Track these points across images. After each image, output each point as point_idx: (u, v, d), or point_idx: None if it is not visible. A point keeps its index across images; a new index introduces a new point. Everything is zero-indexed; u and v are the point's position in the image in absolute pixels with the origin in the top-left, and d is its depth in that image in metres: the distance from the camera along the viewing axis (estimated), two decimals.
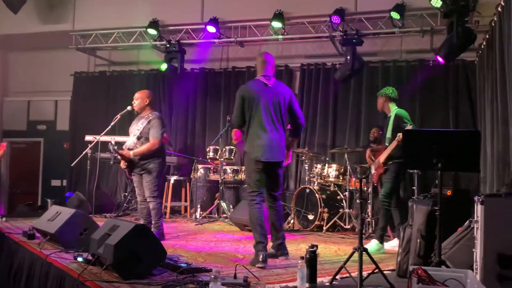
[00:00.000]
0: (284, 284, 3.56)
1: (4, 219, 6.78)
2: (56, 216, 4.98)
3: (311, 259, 3.55)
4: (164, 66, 8.75)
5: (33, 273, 4.37)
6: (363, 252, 3.55)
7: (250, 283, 3.40)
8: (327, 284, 3.64)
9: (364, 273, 3.51)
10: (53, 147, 10.46)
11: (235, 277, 3.48)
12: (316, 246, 3.80)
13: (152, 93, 5.91)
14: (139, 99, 5.70)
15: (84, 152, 6.33)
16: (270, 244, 4.51)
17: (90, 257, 3.91)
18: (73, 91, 10.34)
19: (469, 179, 7.55)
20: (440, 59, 6.88)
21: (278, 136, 4.49)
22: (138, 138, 5.53)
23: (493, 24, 6.13)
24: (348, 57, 7.52)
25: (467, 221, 3.82)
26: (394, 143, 5.18)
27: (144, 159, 5.52)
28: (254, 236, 4.39)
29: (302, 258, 3.56)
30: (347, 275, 3.68)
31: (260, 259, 4.19)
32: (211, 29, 8.26)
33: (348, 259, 3.67)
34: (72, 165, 6.22)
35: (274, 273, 3.97)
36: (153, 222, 5.55)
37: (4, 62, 11.00)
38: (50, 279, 3.98)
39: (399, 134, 5.09)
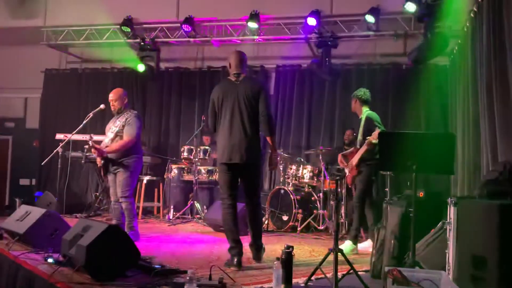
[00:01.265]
0: (259, 285, 3.54)
1: None
2: (25, 216, 4.83)
3: (287, 260, 3.55)
4: (141, 68, 8.63)
5: (0, 274, 4.24)
6: (338, 253, 3.57)
7: (226, 284, 3.37)
8: (302, 285, 3.64)
9: (339, 274, 3.52)
10: (22, 145, 10.19)
11: (210, 278, 3.45)
12: (292, 247, 3.81)
13: (126, 92, 5.78)
14: (117, 99, 5.56)
15: (55, 151, 6.18)
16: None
17: (61, 258, 3.82)
18: (43, 88, 10.10)
19: (439, 181, 7.69)
20: (410, 62, 7.00)
21: (243, 136, 4.27)
22: (115, 137, 5.44)
23: (465, 29, 6.26)
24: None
25: (440, 223, 3.89)
26: (364, 147, 5.25)
27: (119, 157, 5.42)
28: (227, 240, 4.35)
29: (277, 259, 3.56)
30: (322, 276, 3.69)
31: (234, 263, 4.15)
32: (186, 28, 8.20)
33: (323, 260, 3.68)
34: (42, 163, 6.06)
35: (249, 274, 3.94)
36: (126, 222, 5.45)
37: None
38: (19, 281, 3.87)
39: (368, 138, 5.17)
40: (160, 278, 3.49)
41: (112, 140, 5.45)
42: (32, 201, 8.16)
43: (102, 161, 5.46)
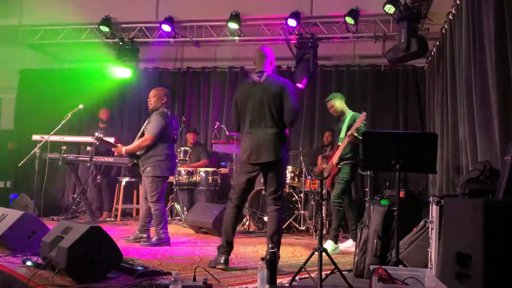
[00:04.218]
0: (244, 286, 3.53)
1: None
2: (1, 218, 4.71)
3: (271, 260, 3.53)
4: (128, 73, 8.49)
5: None
6: (322, 253, 3.58)
7: (212, 285, 3.34)
8: (287, 285, 3.64)
9: (323, 274, 3.53)
10: None
11: (194, 279, 3.41)
12: (276, 247, 3.81)
13: (167, 90, 5.61)
14: (154, 97, 5.45)
15: (32, 152, 6.06)
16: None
17: (40, 261, 3.73)
18: (18, 88, 9.88)
19: (417, 181, 7.82)
20: (388, 61, 7.08)
21: (268, 134, 4.19)
22: (141, 136, 5.38)
23: (443, 32, 6.36)
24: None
25: (422, 221, 3.94)
26: (346, 141, 5.31)
27: (143, 160, 5.32)
28: (222, 238, 4.29)
29: (262, 259, 3.54)
30: (307, 275, 3.70)
31: (222, 261, 4.11)
32: (166, 28, 8.13)
33: (307, 260, 3.69)
34: (19, 165, 5.93)
35: (233, 275, 3.92)
36: (154, 226, 5.34)
37: None
38: None
39: (349, 131, 5.24)
40: (143, 279, 3.44)
41: (138, 138, 5.39)
42: (7, 203, 7.98)
43: (133, 160, 5.43)
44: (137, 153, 5.39)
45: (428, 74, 7.80)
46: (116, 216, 7.83)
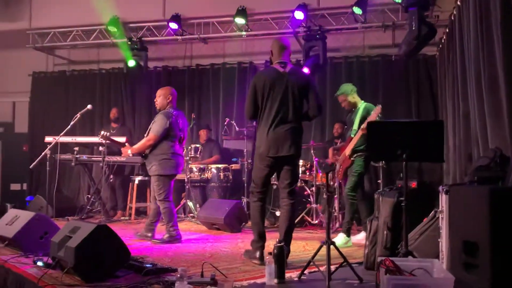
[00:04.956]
0: (252, 281, 3.51)
1: None
2: (14, 220, 4.77)
3: (279, 254, 3.52)
4: (132, 63, 8.54)
5: None
6: (331, 246, 3.54)
7: (218, 281, 3.33)
8: (296, 279, 3.61)
9: (333, 267, 3.50)
10: (11, 149, 10.05)
11: (202, 275, 3.41)
12: (284, 241, 3.78)
13: (173, 90, 5.59)
14: (160, 96, 5.48)
15: (43, 154, 6.11)
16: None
17: (50, 261, 3.76)
18: (31, 92, 9.99)
19: (432, 172, 7.69)
20: (403, 56, 6.96)
21: (291, 127, 4.13)
22: (147, 135, 5.40)
23: (452, 18, 6.24)
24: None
25: (432, 212, 3.87)
26: (360, 133, 5.21)
27: (150, 160, 5.35)
28: (253, 233, 4.26)
29: (270, 253, 3.53)
30: (316, 269, 3.67)
31: (257, 256, 4.09)
32: (173, 26, 8.14)
33: (316, 253, 3.65)
34: (30, 167, 5.99)
35: (242, 270, 3.91)
36: (165, 225, 5.37)
37: None
38: (8, 285, 3.81)
39: (363, 124, 5.15)
40: (151, 277, 3.44)
41: (146, 136, 5.42)
42: (23, 205, 8.09)
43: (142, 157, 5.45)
44: (144, 153, 5.41)
45: (439, 62, 7.67)
46: (130, 215, 7.86)
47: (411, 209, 3.95)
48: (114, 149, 7.63)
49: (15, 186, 10.08)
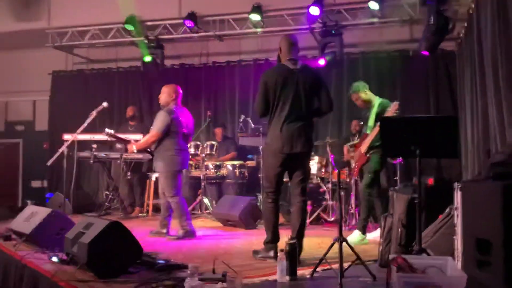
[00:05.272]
0: (264, 278, 3.49)
1: None
2: (31, 216, 4.85)
3: (291, 252, 3.50)
4: (148, 58, 8.59)
5: (8, 275, 4.25)
6: (345, 243, 3.50)
7: (227, 277, 3.32)
8: (308, 276, 3.59)
9: (346, 265, 3.46)
10: (32, 147, 10.26)
11: (213, 272, 3.41)
12: (296, 237, 3.76)
13: (179, 88, 5.65)
14: (163, 93, 5.55)
15: (59, 151, 6.20)
16: None
17: (65, 257, 3.81)
18: (51, 91, 10.14)
19: (451, 168, 7.57)
20: (425, 53, 6.85)
21: (303, 125, 4.12)
22: (149, 133, 5.48)
23: (471, 12, 6.12)
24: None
25: (448, 209, 3.80)
26: (376, 129, 5.13)
27: (156, 157, 5.42)
28: (266, 232, 4.24)
29: (281, 250, 3.51)
30: (328, 267, 3.64)
31: (271, 255, 4.08)
32: (189, 23, 8.16)
33: (328, 250, 3.62)
34: (48, 164, 6.08)
35: (254, 266, 3.90)
36: (178, 221, 5.42)
37: None
38: (24, 281, 3.87)
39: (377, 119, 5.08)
40: (163, 273, 3.46)
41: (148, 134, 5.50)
42: (44, 202, 8.21)
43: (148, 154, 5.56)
44: (151, 150, 5.48)
45: (458, 57, 7.54)
46: (147, 211, 7.93)
47: (427, 206, 3.90)
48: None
49: (35, 183, 10.27)
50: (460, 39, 7.24)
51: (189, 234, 5.32)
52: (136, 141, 5.70)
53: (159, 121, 5.35)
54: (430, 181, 5.87)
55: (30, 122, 10.54)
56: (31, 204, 7.55)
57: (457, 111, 7.60)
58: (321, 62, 7.77)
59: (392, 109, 5.07)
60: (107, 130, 5.63)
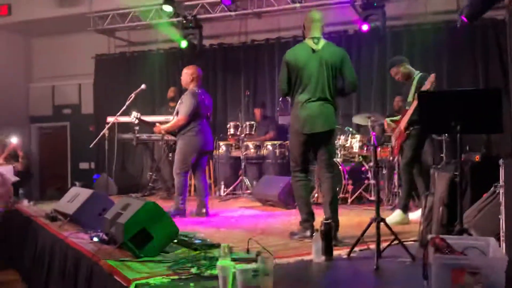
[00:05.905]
0: (299, 258, 3.45)
1: (32, 203, 6.89)
2: (75, 197, 5.00)
3: (326, 232, 3.43)
4: (184, 44, 8.62)
5: (54, 254, 4.40)
6: (383, 223, 3.40)
7: (257, 256, 3.29)
8: (345, 256, 3.51)
9: (385, 245, 3.37)
10: (79, 130, 10.57)
11: (248, 251, 3.39)
12: (333, 215, 3.68)
13: (199, 69, 5.74)
14: (183, 75, 5.68)
15: (101, 133, 6.33)
16: None
17: (105, 237, 3.89)
18: (95, 74, 10.38)
19: (501, 144, 7.22)
20: (464, 19, 6.49)
21: (325, 104, 4.06)
22: (176, 114, 5.59)
23: None
24: None
25: (493, 187, 3.61)
26: (414, 104, 4.92)
27: (178, 135, 5.55)
28: (300, 213, 4.22)
29: (317, 230, 3.45)
30: (366, 247, 3.55)
31: (308, 234, 4.03)
32: (227, 2, 8.08)
33: (365, 230, 3.51)
34: (90, 146, 6.25)
35: (289, 246, 3.86)
36: (175, 197, 5.58)
37: (26, 48, 11.12)
38: (68, 260, 3.99)
39: (416, 94, 4.86)
40: (199, 253, 3.47)
41: (176, 116, 5.60)
42: (91, 183, 8.47)
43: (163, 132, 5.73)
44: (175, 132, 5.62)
45: (509, 26, 7.10)
46: (189, 191, 8.01)
47: (473, 185, 3.72)
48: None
49: (83, 165, 10.61)
50: (511, 7, 6.81)
51: (181, 212, 5.46)
52: (161, 123, 5.77)
53: (187, 105, 5.44)
54: (477, 157, 5.63)
55: (76, 106, 10.85)
56: (79, 186, 7.83)
57: (508, 83, 7.22)
58: (364, 27, 7.51)
59: (429, 82, 4.82)
60: (134, 113, 5.71)
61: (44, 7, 9.40)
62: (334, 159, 6.47)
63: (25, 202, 6.84)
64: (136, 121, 5.82)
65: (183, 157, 5.48)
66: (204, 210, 5.60)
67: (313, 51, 4.07)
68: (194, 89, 5.54)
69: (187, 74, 5.63)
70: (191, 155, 5.50)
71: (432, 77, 4.84)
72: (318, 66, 4.04)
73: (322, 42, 4.12)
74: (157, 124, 5.74)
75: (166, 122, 5.81)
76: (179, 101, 5.61)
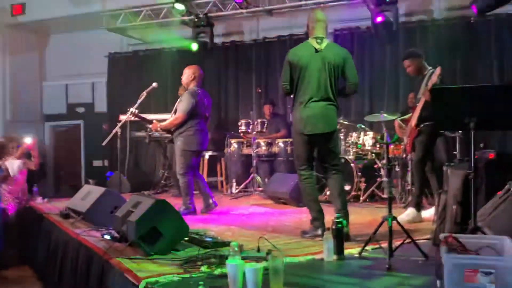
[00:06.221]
0: (310, 256, 3.43)
1: (46, 200, 6.95)
2: (87, 195, 5.03)
3: (337, 230, 3.40)
4: (194, 46, 8.62)
5: (67, 252, 4.43)
6: (395, 222, 3.36)
7: (267, 255, 3.27)
8: (356, 255, 3.48)
9: (398, 244, 3.33)
10: (92, 129, 10.62)
11: (258, 250, 3.38)
12: (341, 210, 3.64)
13: (200, 69, 5.80)
14: (184, 75, 5.73)
15: (113, 131, 6.35)
16: None
17: (116, 235, 3.90)
18: (108, 72, 10.42)
19: None
20: (474, 9, 6.39)
21: (326, 105, 4.06)
22: (174, 113, 5.61)
23: None
24: None
25: (507, 184, 3.55)
26: (422, 100, 4.86)
27: (176, 134, 5.56)
28: (310, 211, 4.22)
29: (328, 229, 3.42)
30: (378, 245, 3.52)
31: (319, 233, 4.01)
32: None
33: (377, 229, 3.49)
34: (103, 144, 6.27)
35: (301, 245, 3.84)
36: (183, 198, 5.59)
37: (41, 47, 11.19)
38: (80, 257, 4.02)
39: (425, 89, 4.79)
40: (210, 251, 3.46)
41: (174, 114, 5.62)
42: (105, 181, 8.53)
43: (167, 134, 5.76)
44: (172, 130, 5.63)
45: None
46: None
47: (487, 182, 3.65)
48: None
49: (97, 163, 10.67)
50: None
51: (190, 211, 5.48)
52: (160, 121, 5.76)
53: (185, 104, 5.47)
54: (491, 155, 5.54)
55: (90, 104, 10.91)
56: (92, 183, 7.88)
57: None
58: (379, 19, 7.42)
59: (435, 75, 4.73)
60: (131, 109, 5.74)
61: (57, 6, 9.46)
62: (342, 158, 6.54)
63: (39, 200, 6.91)
64: (133, 117, 5.85)
65: (183, 158, 5.52)
66: (211, 201, 5.69)
67: (316, 50, 4.08)
68: (194, 89, 5.59)
69: (187, 73, 5.68)
70: (191, 155, 5.56)
71: (438, 69, 4.75)
72: (320, 65, 4.05)
73: (326, 42, 4.13)
74: (154, 121, 5.76)
75: (164, 120, 5.82)
76: (178, 100, 5.66)
